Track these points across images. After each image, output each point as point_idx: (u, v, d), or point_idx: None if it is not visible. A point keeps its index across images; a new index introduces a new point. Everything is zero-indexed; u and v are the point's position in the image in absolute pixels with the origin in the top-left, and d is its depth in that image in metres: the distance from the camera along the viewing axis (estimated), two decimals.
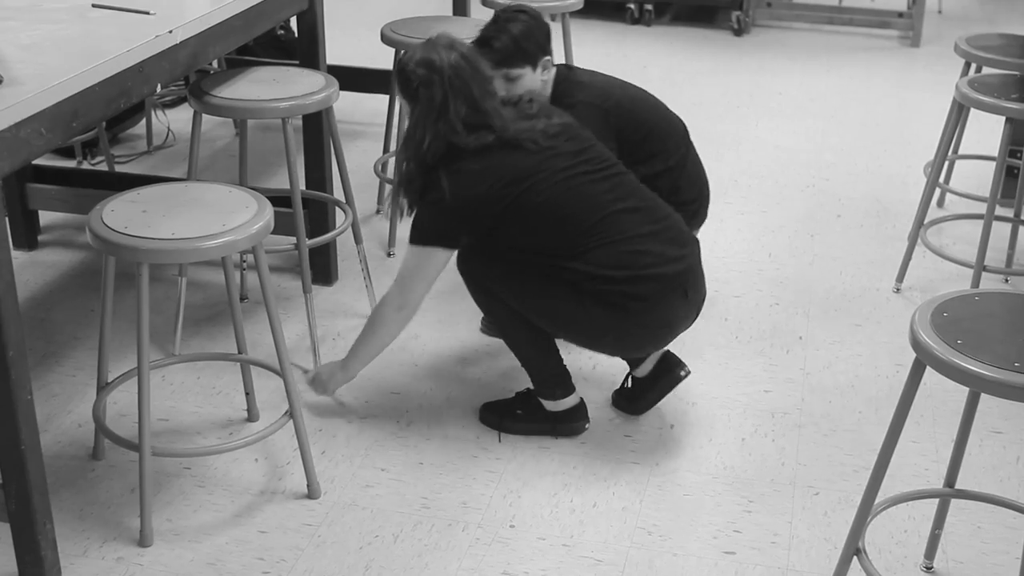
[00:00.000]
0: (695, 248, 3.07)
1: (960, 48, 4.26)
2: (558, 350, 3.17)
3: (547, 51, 3.41)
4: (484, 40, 3.36)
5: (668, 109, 3.62)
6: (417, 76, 2.93)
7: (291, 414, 2.90)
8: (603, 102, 3.46)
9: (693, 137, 4.84)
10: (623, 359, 3.28)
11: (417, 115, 2.96)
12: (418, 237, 3.00)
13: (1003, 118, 3.74)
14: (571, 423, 3.19)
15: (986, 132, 5.26)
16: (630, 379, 3.32)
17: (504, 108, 3.04)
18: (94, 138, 4.81)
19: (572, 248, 2.95)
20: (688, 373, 3.28)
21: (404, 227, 4.32)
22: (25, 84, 2.42)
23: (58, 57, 2.61)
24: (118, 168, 4.85)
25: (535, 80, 3.39)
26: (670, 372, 3.27)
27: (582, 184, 2.97)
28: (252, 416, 3.25)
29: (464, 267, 3.12)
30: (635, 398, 3.30)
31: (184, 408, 3.30)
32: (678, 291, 2.99)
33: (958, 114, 3.99)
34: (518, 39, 3.34)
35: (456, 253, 3.11)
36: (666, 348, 3.26)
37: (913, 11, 6.90)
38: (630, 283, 2.93)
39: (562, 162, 2.97)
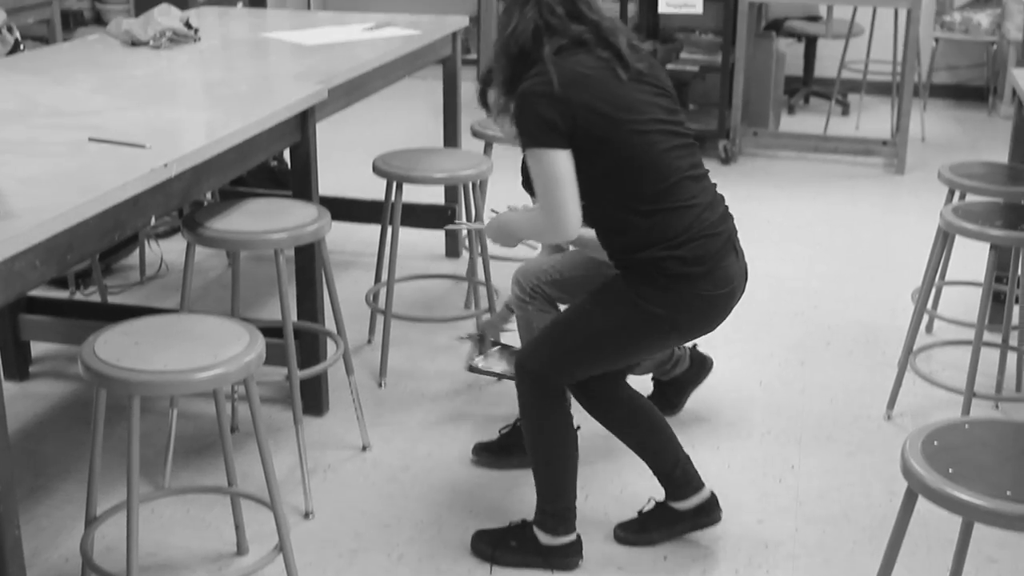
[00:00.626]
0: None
1: (944, 176, 4.33)
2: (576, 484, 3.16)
3: None
4: None
5: None
6: None
7: (281, 548, 2.87)
8: None
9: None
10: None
11: (510, 4, 2.91)
12: (525, 140, 2.85)
13: (988, 245, 3.79)
14: (566, 558, 3.16)
15: (972, 258, 5.31)
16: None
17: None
18: (87, 268, 4.84)
19: (640, 201, 2.87)
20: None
21: (395, 357, 4.35)
22: (21, 217, 2.45)
23: (54, 190, 2.65)
24: (111, 298, 4.87)
25: None
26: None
27: (662, 140, 2.90)
28: (241, 550, 3.21)
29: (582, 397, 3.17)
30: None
31: (173, 542, 3.27)
32: (729, 248, 2.98)
33: (943, 241, 4.04)
34: None
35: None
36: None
37: (897, 139, 7.01)
38: (686, 247, 2.87)
39: (647, 106, 2.90)
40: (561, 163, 2.80)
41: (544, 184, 2.82)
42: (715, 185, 3.06)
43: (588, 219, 2.92)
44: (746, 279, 3.04)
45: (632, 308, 2.91)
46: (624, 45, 2.90)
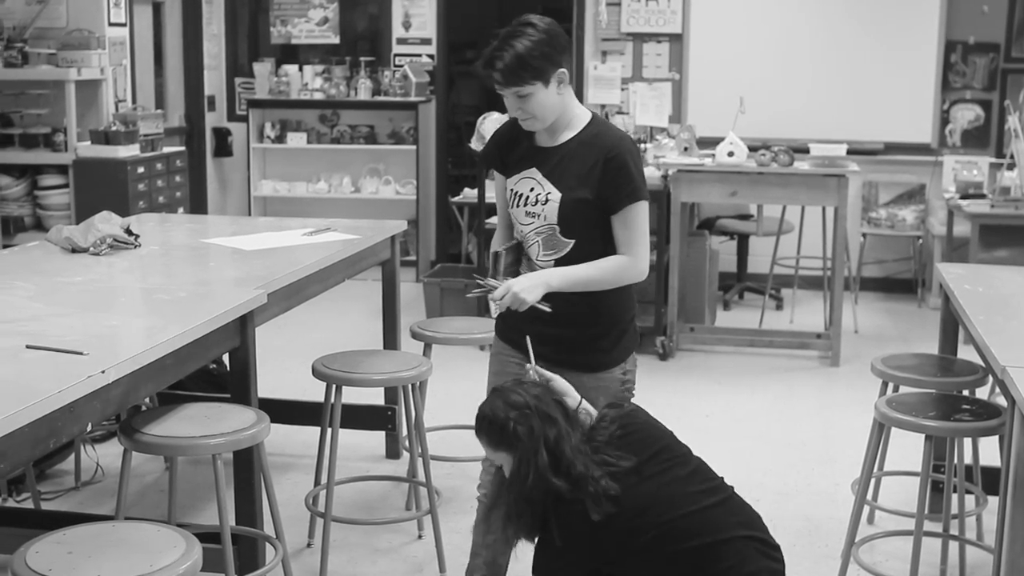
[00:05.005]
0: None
1: (876, 368, 4.40)
2: None
3: (559, 63, 3.26)
4: (488, 60, 3.24)
5: None
6: (511, 417, 2.93)
7: None
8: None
9: None
10: None
11: (520, 453, 2.92)
12: None
13: (923, 435, 3.84)
14: None
15: (909, 447, 5.36)
16: None
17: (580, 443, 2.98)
18: (20, 475, 4.75)
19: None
20: None
21: (335, 561, 4.28)
22: None
23: None
24: (45, 505, 4.77)
25: (550, 96, 3.27)
26: None
27: (684, 501, 2.93)
28: None
29: None
30: None
31: None
32: None
33: (880, 432, 4.08)
34: (523, 56, 3.19)
35: None
36: None
37: (831, 332, 7.14)
38: None
39: (650, 487, 2.93)
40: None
41: None
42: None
43: None
44: None
45: None
46: (591, 490, 2.88)
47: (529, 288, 3.28)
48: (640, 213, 3.36)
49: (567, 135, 3.40)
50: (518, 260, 3.50)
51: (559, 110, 3.34)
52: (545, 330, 3.35)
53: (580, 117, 3.42)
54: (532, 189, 3.41)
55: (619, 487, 2.88)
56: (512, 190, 3.47)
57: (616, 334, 3.47)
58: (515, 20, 3.30)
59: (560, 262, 3.39)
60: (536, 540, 2.97)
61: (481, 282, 3.37)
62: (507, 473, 2.96)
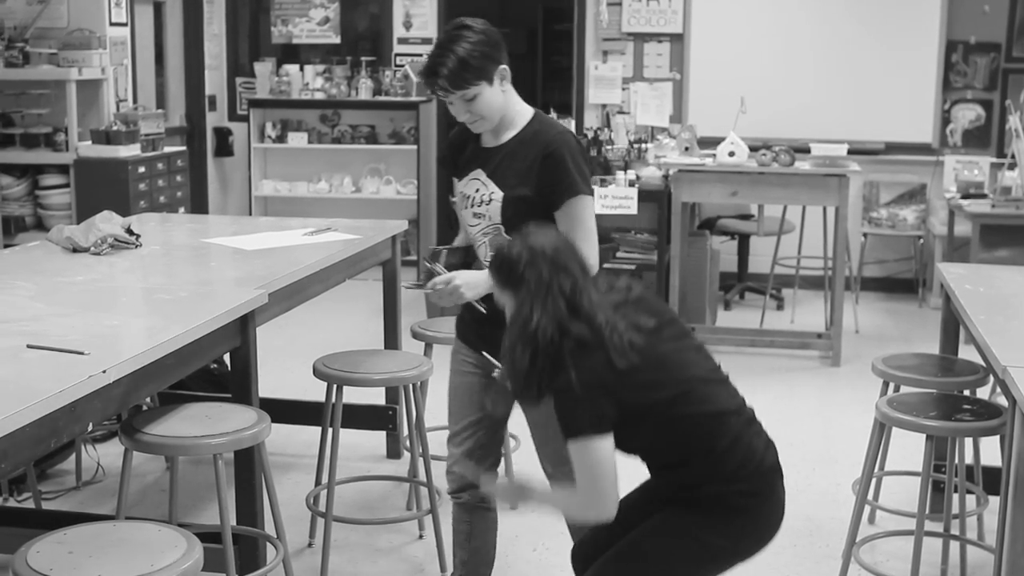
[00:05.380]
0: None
1: (877, 368, 4.40)
2: None
3: (499, 60, 3.30)
4: (431, 68, 3.27)
5: None
6: (522, 258, 2.87)
7: None
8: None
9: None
10: None
11: (523, 295, 2.85)
12: (568, 430, 2.81)
13: (924, 435, 3.84)
14: None
15: (910, 447, 5.36)
16: None
17: (597, 294, 2.92)
18: (22, 474, 4.75)
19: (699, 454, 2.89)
20: None
21: (336, 561, 4.28)
22: None
23: None
24: (45, 504, 4.77)
25: (495, 94, 3.31)
26: None
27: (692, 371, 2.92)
28: None
29: None
30: None
31: None
32: (778, 474, 3.00)
33: (880, 432, 4.08)
34: (465, 59, 3.23)
35: None
36: None
37: (831, 332, 7.14)
38: (745, 480, 2.91)
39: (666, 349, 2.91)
40: (607, 450, 2.80)
41: (590, 474, 2.80)
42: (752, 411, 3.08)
43: (641, 455, 2.97)
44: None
45: (693, 542, 2.91)
46: (615, 340, 2.83)
47: (471, 284, 3.28)
48: (581, 208, 3.31)
49: (509, 134, 3.40)
50: (467, 264, 3.47)
51: (504, 107, 3.36)
52: (496, 332, 3.30)
53: (522, 114, 3.42)
54: (477, 190, 3.41)
55: (643, 341, 2.85)
56: (462, 192, 3.48)
57: None
58: (447, 26, 3.35)
59: None
60: (549, 400, 2.84)
61: (425, 272, 3.39)
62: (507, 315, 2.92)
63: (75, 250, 4.46)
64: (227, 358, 4.07)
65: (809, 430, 5.90)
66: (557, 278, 2.85)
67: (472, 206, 3.43)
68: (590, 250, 3.27)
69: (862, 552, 4.39)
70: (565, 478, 3.07)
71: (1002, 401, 3.73)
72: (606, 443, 2.79)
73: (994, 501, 4.49)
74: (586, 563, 3.07)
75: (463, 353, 3.57)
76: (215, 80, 9.71)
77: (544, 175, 3.31)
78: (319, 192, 9.61)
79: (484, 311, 3.29)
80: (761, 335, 7.47)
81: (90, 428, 3.18)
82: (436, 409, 5.58)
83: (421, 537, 4.59)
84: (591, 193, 3.36)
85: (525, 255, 2.87)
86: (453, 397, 3.58)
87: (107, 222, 4.56)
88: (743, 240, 8.72)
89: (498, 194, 3.36)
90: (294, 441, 5.54)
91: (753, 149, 7.09)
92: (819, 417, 6.11)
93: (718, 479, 2.89)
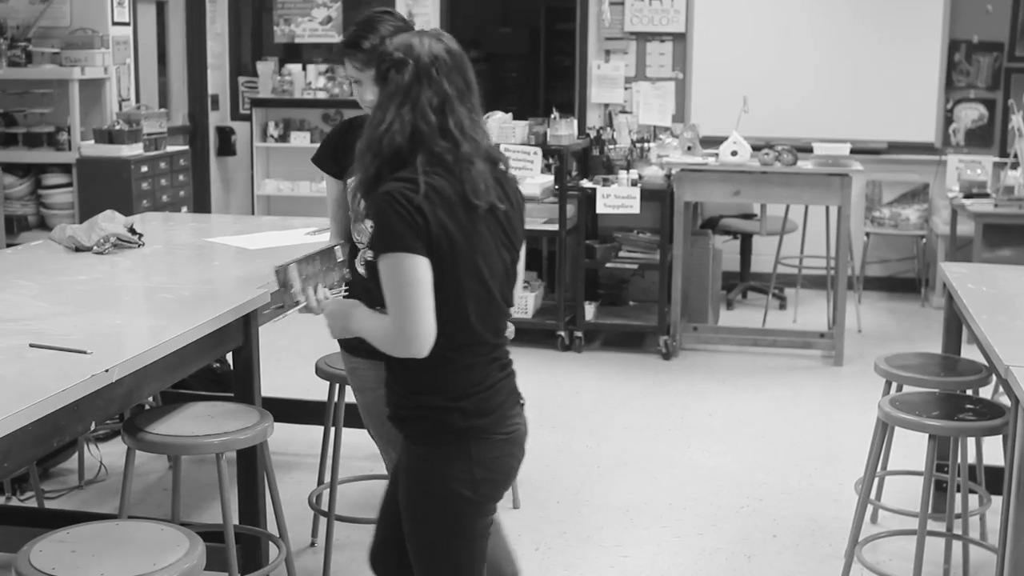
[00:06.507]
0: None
1: (880, 368, 4.40)
2: None
3: None
4: (352, 41, 3.24)
5: None
6: (390, 58, 2.69)
7: None
8: None
9: (627, 460, 4.83)
10: None
11: (382, 97, 2.70)
12: (381, 244, 2.63)
13: (927, 435, 3.84)
14: None
15: (913, 447, 5.36)
16: None
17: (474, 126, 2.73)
18: (24, 473, 4.76)
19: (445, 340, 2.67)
20: None
21: (339, 560, 4.28)
22: None
23: None
24: (48, 504, 4.77)
25: None
26: None
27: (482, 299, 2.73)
28: None
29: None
30: None
31: None
32: (514, 401, 2.85)
33: (883, 432, 4.08)
34: (388, 38, 3.16)
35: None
36: None
37: (834, 331, 7.14)
38: (469, 399, 2.72)
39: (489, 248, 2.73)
40: (421, 270, 2.60)
41: (398, 291, 2.60)
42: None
43: None
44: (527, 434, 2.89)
45: (443, 510, 2.73)
46: (476, 178, 2.69)
47: (333, 325, 2.91)
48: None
49: None
50: (329, 268, 3.13)
51: None
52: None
53: None
54: None
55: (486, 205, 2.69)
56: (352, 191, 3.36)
57: None
58: (370, 10, 3.37)
59: None
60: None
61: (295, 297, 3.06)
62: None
63: (78, 249, 4.46)
64: (229, 357, 4.08)
65: (811, 430, 5.89)
66: (426, 89, 2.66)
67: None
68: None
69: (865, 552, 4.39)
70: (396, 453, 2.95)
71: (1005, 401, 3.73)
72: (420, 264, 2.60)
73: (997, 501, 4.49)
74: (387, 567, 2.94)
75: (351, 364, 3.52)
76: (218, 79, 9.71)
77: None
78: (322, 191, 9.56)
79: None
80: (763, 335, 7.46)
81: (93, 427, 3.18)
82: None
83: None
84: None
85: (398, 55, 2.69)
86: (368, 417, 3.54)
87: (110, 221, 4.56)
88: (746, 239, 8.72)
89: None
90: (297, 440, 5.54)
91: (756, 148, 7.09)
92: (821, 417, 6.11)
93: (442, 393, 2.71)
